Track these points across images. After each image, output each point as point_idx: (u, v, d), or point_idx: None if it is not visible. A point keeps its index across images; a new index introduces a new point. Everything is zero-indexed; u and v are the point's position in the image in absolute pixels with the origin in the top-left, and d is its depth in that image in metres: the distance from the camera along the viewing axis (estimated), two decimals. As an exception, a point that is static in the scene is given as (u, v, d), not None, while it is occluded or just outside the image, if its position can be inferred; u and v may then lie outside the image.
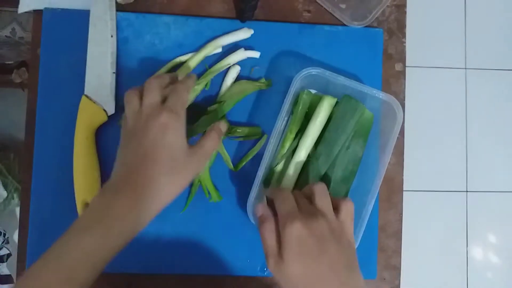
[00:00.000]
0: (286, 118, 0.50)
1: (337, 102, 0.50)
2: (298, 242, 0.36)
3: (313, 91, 0.51)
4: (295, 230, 0.36)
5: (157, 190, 0.36)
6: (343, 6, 0.54)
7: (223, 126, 0.43)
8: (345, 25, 0.53)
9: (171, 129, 0.37)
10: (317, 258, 0.36)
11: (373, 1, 0.53)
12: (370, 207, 0.46)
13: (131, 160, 0.37)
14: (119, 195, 0.35)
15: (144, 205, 0.35)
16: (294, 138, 0.50)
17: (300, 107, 0.49)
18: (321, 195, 0.40)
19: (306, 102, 0.50)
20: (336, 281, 0.35)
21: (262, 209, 0.41)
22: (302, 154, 0.49)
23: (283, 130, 0.50)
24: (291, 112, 0.51)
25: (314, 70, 0.46)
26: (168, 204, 0.37)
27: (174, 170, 0.36)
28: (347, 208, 0.40)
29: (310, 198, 0.40)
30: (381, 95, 0.47)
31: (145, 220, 0.35)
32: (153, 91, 0.40)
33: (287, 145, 0.49)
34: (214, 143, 0.41)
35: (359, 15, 0.53)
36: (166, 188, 0.36)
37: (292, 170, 0.48)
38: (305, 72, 0.46)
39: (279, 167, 0.50)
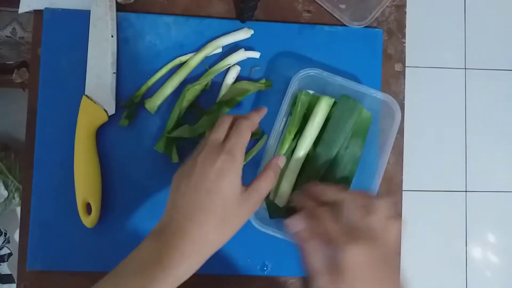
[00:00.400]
0: (284, 119, 0.50)
1: (335, 103, 0.50)
2: (362, 266, 0.34)
3: (311, 92, 0.51)
4: (359, 254, 0.34)
5: (207, 239, 0.35)
6: (342, 6, 0.54)
7: (281, 161, 0.40)
8: (345, 25, 0.54)
9: (226, 175, 0.36)
10: (379, 284, 0.34)
11: (373, 1, 0.53)
12: None
13: (185, 205, 0.36)
14: (170, 242, 0.35)
15: (193, 255, 0.35)
16: (293, 139, 0.50)
17: (299, 108, 0.49)
18: (383, 213, 0.36)
19: (305, 102, 0.50)
20: None
21: (300, 223, 0.38)
22: (300, 155, 0.49)
23: (282, 131, 0.51)
24: (290, 113, 0.51)
25: (312, 71, 0.47)
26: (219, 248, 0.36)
27: (226, 219, 0.36)
28: (398, 230, 0.36)
29: (364, 206, 0.37)
30: (379, 95, 0.47)
31: (194, 267, 0.35)
32: (220, 126, 0.39)
33: (286, 146, 0.49)
34: (270, 184, 0.39)
35: (359, 16, 0.53)
36: (216, 237, 0.36)
37: (291, 171, 0.49)
38: (303, 73, 0.47)
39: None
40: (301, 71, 0.47)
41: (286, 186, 0.49)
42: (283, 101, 0.46)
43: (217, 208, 0.36)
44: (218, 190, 0.36)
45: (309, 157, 0.49)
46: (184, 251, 0.34)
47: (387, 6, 0.54)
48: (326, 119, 0.50)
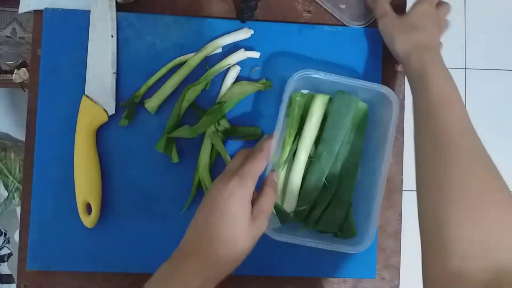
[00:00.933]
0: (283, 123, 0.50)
1: (331, 99, 0.50)
2: (423, 13, 0.48)
3: (305, 92, 0.51)
4: (424, 6, 0.49)
5: (218, 256, 0.37)
6: (342, 6, 0.54)
7: (276, 176, 0.43)
8: (345, 25, 0.54)
9: (236, 197, 0.38)
10: (427, 27, 0.48)
11: None
12: (380, 198, 0.45)
13: (200, 225, 0.38)
14: (184, 260, 0.36)
15: (205, 271, 0.36)
16: (294, 141, 0.50)
17: (296, 110, 0.49)
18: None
19: (301, 104, 0.50)
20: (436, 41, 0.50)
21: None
22: (302, 156, 0.49)
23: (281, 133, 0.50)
24: (287, 115, 0.50)
25: (306, 72, 0.46)
26: (233, 270, 0.38)
27: (236, 238, 0.37)
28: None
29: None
30: (375, 86, 0.47)
31: (209, 283, 0.36)
32: (236, 157, 0.42)
33: (287, 149, 0.49)
34: (272, 200, 0.41)
35: (359, 16, 0.53)
36: (228, 256, 0.37)
37: (296, 173, 0.49)
38: (298, 75, 0.46)
39: (283, 171, 0.50)
40: (295, 74, 0.46)
41: (293, 189, 0.49)
42: (280, 107, 0.45)
43: (226, 227, 0.37)
44: (228, 210, 0.37)
45: (312, 157, 0.49)
46: (196, 270, 0.36)
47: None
48: (324, 117, 0.50)
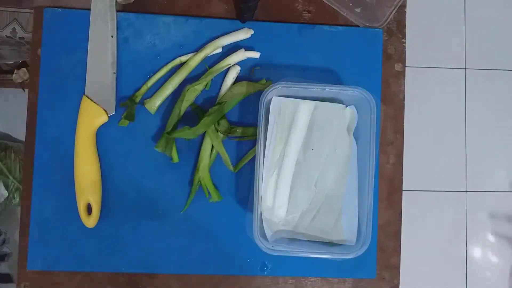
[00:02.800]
0: (263, 131, 0.50)
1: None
2: None
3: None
4: None
5: None
6: (358, 10, 0.53)
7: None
8: (344, 25, 0.54)
9: None
10: None
11: (387, 2, 0.52)
12: (370, 201, 0.46)
13: None
14: None
15: None
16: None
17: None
18: None
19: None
20: None
21: None
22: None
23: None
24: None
25: (282, 84, 0.46)
26: None
27: None
28: None
29: None
30: (354, 91, 0.47)
31: None
32: None
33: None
34: None
35: (375, 17, 0.53)
36: None
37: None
38: (274, 87, 0.46)
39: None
40: (272, 85, 0.46)
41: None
42: (258, 118, 0.45)
43: None
44: None
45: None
46: None
47: (386, 6, 0.54)
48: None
